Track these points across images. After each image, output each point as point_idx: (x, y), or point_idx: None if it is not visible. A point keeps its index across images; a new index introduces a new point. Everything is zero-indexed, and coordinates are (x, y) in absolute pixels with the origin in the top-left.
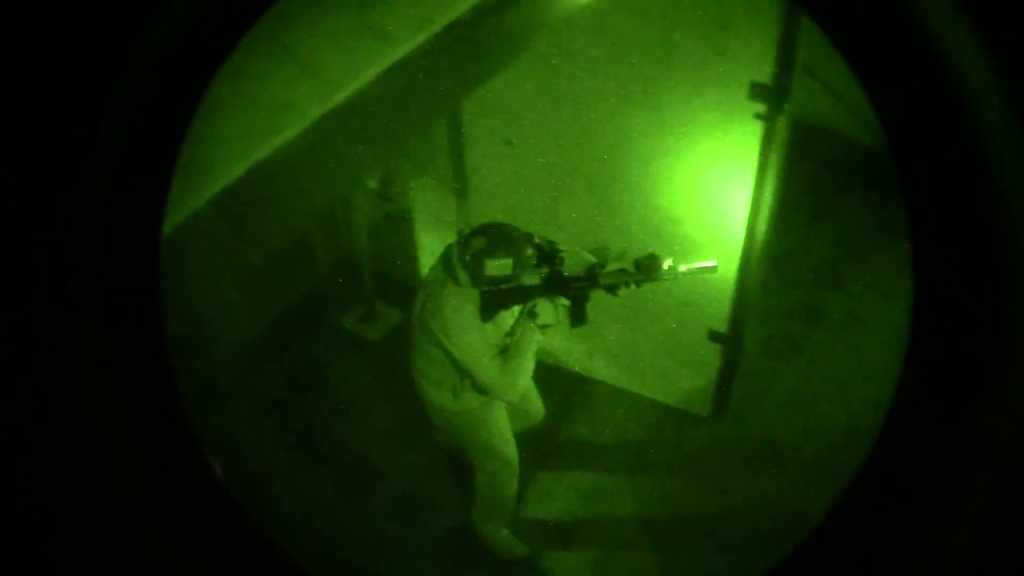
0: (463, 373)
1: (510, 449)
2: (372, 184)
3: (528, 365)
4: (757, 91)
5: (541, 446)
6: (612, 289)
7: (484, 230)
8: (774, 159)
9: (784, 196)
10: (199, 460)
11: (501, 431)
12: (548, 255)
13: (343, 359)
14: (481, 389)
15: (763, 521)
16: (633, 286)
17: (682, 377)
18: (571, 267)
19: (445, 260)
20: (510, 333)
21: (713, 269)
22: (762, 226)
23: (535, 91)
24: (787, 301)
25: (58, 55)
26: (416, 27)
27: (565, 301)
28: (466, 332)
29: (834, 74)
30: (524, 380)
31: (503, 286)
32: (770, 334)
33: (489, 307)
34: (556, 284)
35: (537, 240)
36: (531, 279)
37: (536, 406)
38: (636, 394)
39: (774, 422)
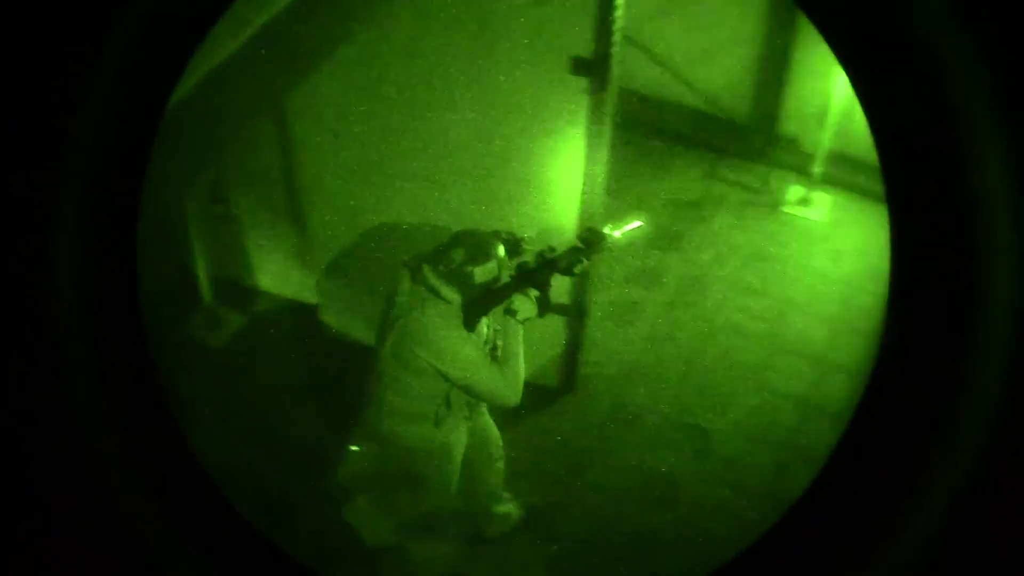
0: (448, 396)
1: (455, 478)
2: (203, 190)
3: (522, 362)
4: (579, 66)
5: None
6: (569, 270)
7: (458, 240)
8: (603, 130)
9: (615, 165)
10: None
11: (456, 459)
12: (515, 248)
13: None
14: (483, 400)
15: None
16: (586, 261)
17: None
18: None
19: (418, 283)
20: (491, 337)
21: (642, 228)
22: (596, 196)
23: (359, 81)
24: (625, 268)
25: None
26: (233, 31)
27: (535, 292)
28: (460, 348)
29: (658, 41)
30: (522, 378)
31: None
32: (611, 300)
33: (471, 316)
34: (526, 276)
35: (503, 236)
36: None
37: (494, 431)
38: None
39: (622, 389)
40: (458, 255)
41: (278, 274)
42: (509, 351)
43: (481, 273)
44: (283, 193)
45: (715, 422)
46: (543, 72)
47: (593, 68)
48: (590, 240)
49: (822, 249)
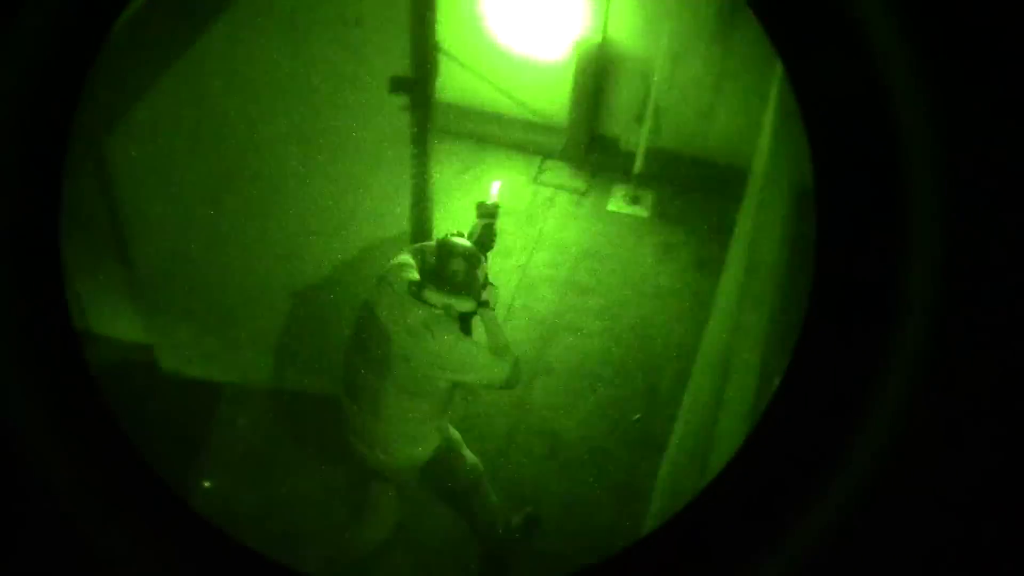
0: (449, 401)
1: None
2: None
3: (509, 343)
4: (397, 84)
5: None
6: (493, 242)
7: (452, 254)
8: (425, 145)
9: (442, 176)
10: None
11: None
12: (482, 242)
13: None
14: (496, 389)
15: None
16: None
17: None
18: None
19: (423, 307)
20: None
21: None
22: (425, 209)
23: (184, 108)
24: None
25: None
26: None
27: (492, 281)
28: (472, 354)
29: (475, 53)
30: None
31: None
32: None
33: (465, 320)
34: (484, 269)
35: (456, 234)
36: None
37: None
38: None
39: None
40: (459, 265)
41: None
42: (496, 339)
43: (483, 275)
44: (109, 232)
45: (562, 422)
46: (364, 93)
47: (411, 85)
48: (488, 211)
49: (650, 243)
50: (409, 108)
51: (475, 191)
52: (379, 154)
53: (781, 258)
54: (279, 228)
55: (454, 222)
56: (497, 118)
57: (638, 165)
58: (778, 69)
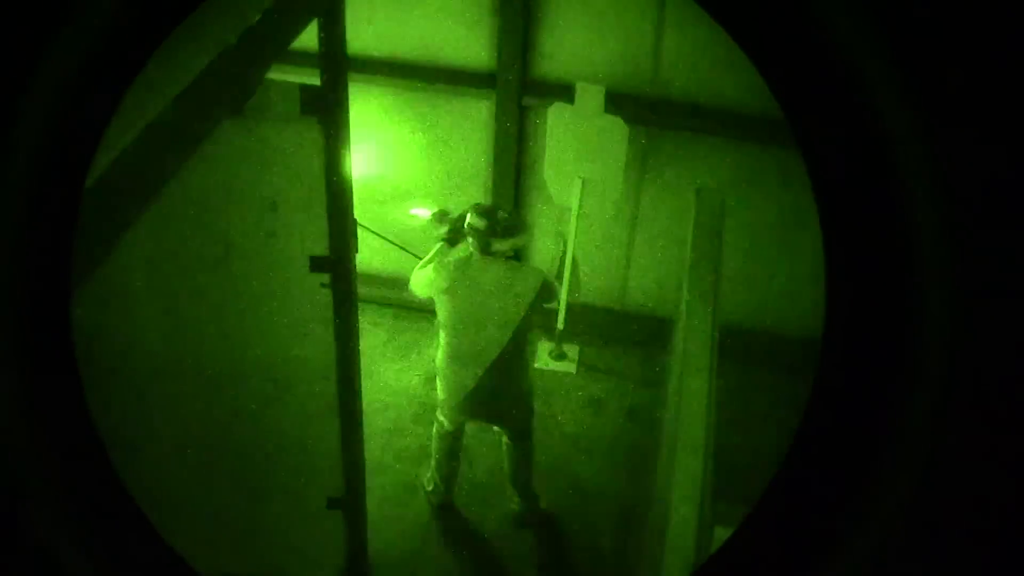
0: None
1: None
2: None
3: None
4: (316, 264)
5: None
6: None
7: (487, 210)
8: (348, 318)
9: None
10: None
11: None
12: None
13: None
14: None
15: None
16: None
17: None
18: None
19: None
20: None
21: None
22: (352, 380)
23: (108, 316)
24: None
25: None
26: None
27: None
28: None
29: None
30: None
31: None
32: None
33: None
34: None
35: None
36: None
37: None
38: None
39: None
40: (503, 214)
41: None
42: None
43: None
44: None
45: None
46: (285, 273)
47: (330, 264)
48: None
49: (579, 397)
50: (328, 285)
51: (402, 358)
52: (304, 331)
53: (710, 403)
54: (208, 416)
55: (384, 390)
56: None
57: (561, 321)
58: (692, 213)
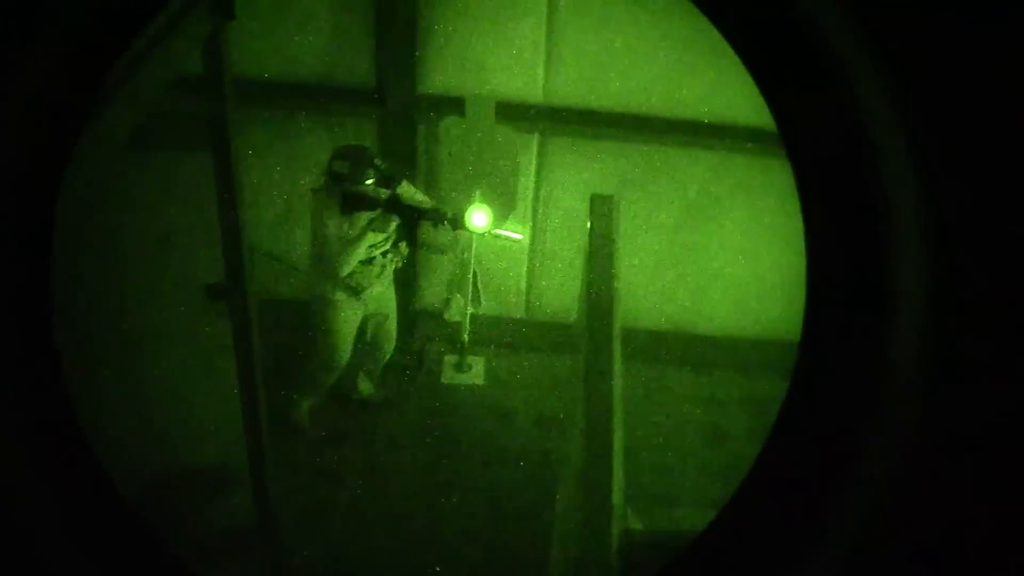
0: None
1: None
2: None
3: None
4: (213, 292)
5: None
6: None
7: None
8: (248, 341)
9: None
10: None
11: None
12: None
13: None
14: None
15: None
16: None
17: None
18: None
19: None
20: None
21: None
22: (258, 409)
23: None
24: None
25: None
26: None
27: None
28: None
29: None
30: None
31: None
32: (302, 505)
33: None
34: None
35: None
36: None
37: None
38: None
39: None
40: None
41: None
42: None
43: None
44: None
45: None
46: (183, 305)
47: (226, 292)
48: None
49: (490, 413)
50: (226, 314)
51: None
52: (209, 364)
53: (617, 405)
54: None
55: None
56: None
57: (465, 334)
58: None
